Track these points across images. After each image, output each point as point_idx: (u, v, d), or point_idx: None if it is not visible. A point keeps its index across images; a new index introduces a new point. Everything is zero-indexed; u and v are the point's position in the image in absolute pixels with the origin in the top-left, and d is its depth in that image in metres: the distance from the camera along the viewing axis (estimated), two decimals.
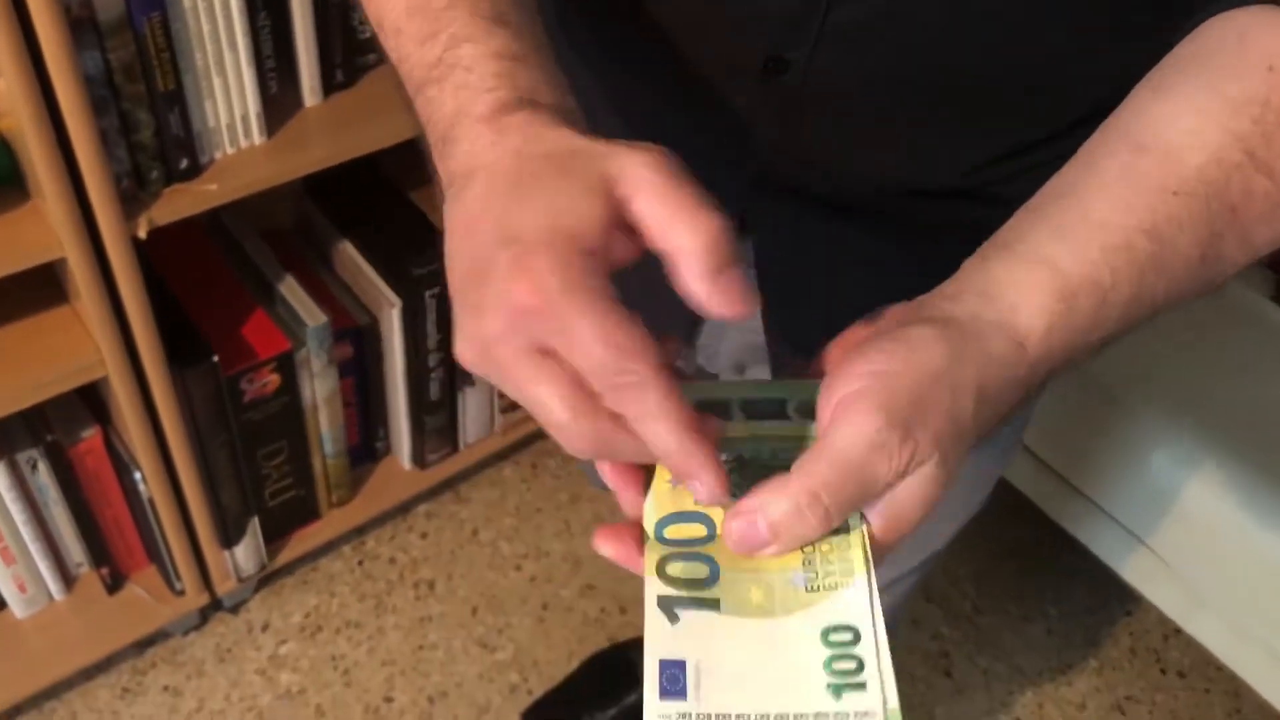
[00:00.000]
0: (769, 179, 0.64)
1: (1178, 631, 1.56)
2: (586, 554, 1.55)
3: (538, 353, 0.36)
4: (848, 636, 0.36)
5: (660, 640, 0.36)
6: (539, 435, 1.65)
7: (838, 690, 0.35)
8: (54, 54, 0.84)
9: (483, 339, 0.37)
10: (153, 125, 0.96)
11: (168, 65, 0.94)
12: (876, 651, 0.35)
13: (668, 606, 0.37)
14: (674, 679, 0.35)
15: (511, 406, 1.55)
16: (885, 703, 0.34)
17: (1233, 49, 0.42)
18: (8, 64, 0.83)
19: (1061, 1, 0.49)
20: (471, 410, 1.49)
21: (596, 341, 0.35)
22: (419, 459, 1.50)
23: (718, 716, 0.34)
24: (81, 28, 0.87)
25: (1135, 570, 1.29)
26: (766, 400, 0.42)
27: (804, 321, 0.65)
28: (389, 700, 1.38)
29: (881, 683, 0.35)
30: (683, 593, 0.37)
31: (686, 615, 0.37)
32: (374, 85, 1.15)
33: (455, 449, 1.53)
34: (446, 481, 1.57)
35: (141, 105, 0.95)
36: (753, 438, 0.41)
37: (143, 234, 0.98)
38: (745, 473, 0.39)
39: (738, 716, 0.34)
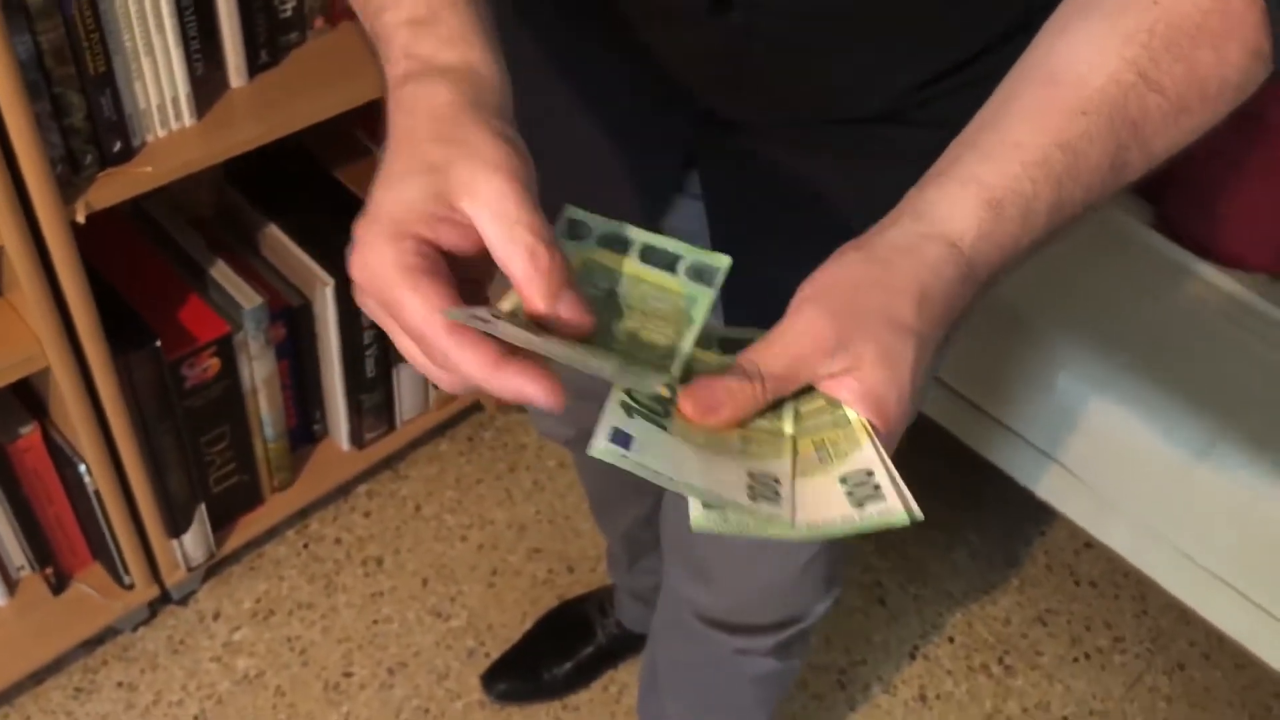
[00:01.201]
0: (714, 115, 0.69)
1: (1087, 545, 1.68)
2: (530, 520, 1.59)
3: (381, 312, 0.43)
4: (862, 475, 0.41)
5: (617, 420, 0.40)
6: (474, 408, 1.68)
7: (860, 502, 0.40)
8: None
9: (354, 284, 0.44)
10: (84, 108, 0.96)
11: (98, 47, 0.94)
12: (889, 476, 0.41)
13: (628, 408, 0.41)
14: (623, 440, 0.39)
15: None
16: (906, 504, 0.39)
17: None
18: None
19: None
20: (406, 386, 1.51)
21: (413, 315, 0.41)
22: (357, 439, 1.51)
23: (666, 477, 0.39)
24: (11, 10, 0.86)
25: (1048, 486, 1.39)
26: (664, 252, 0.47)
27: (751, 250, 0.71)
28: (348, 675, 1.39)
29: (899, 491, 0.40)
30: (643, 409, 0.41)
31: (642, 425, 0.41)
32: (298, 64, 1.16)
33: (392, 427, 1.55)
34: (385, 460, 1.58)
35: (73, 88, 0.95)
36: (634, 278, 0.46)
37: (81, 219, 0.98)
38: (606, 303, 0.45)
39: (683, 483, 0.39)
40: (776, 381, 0.44)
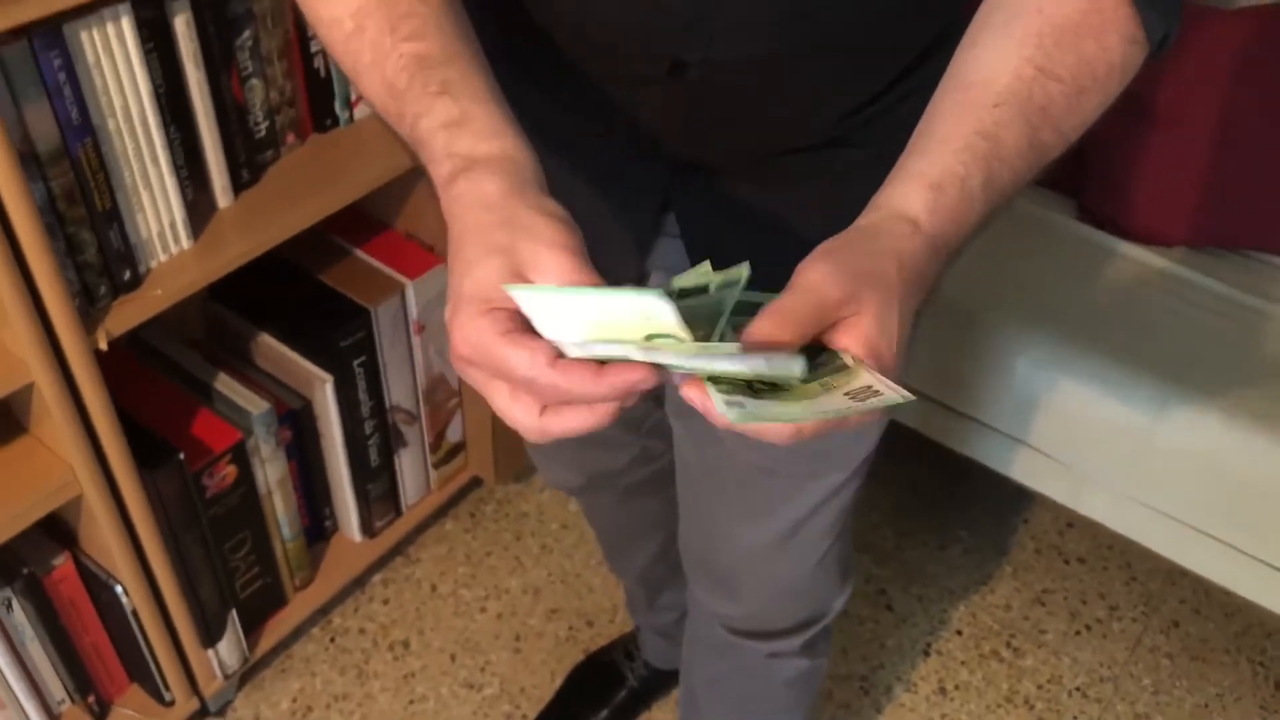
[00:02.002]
0: (682, 161, 0.78)
1: (1070, 525, 1.77)
2: (543, 582, 1.64)
3: (485, 376, 0.49)
4: (863, 389, 0.49)
5: (725, 397, 0.48)
6: (473, 485, 1.74)
7: (861, 400, 0.48)
8: (10, 190, 0.91)
9: (458, 360, 0.50)
10: (96, 243, 1.03)
11: (103, 185, 1.02)
12: (886, 383, 0.48)
13: (722, 389, 0.48)
14: (739, 404, 0.47)
15: (444, 460, 1.64)
16: (900, 392, 0.47)
17: (1021, 4, 0.58)
18: None
19: None
20: (408, 469, 1.57)
21: (520, 364, 0.47)
22: (367, 528, 1.56)
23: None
24: (25, 161, 0.94)
25: (1022, 469, 1.48)
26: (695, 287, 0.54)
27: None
28: None
29: (894, 387, 0.48)
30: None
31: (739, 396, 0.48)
32: (276, 179, 1.24)
33: (399, 512, 1.60)
34: (395, 547, 1.63)
35: (84, 226, 1.02)
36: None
37: (104, 345, 1.05)
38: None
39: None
40: (801, 318, 0.50)
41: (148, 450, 1.17)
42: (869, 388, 0.49)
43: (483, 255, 0.50)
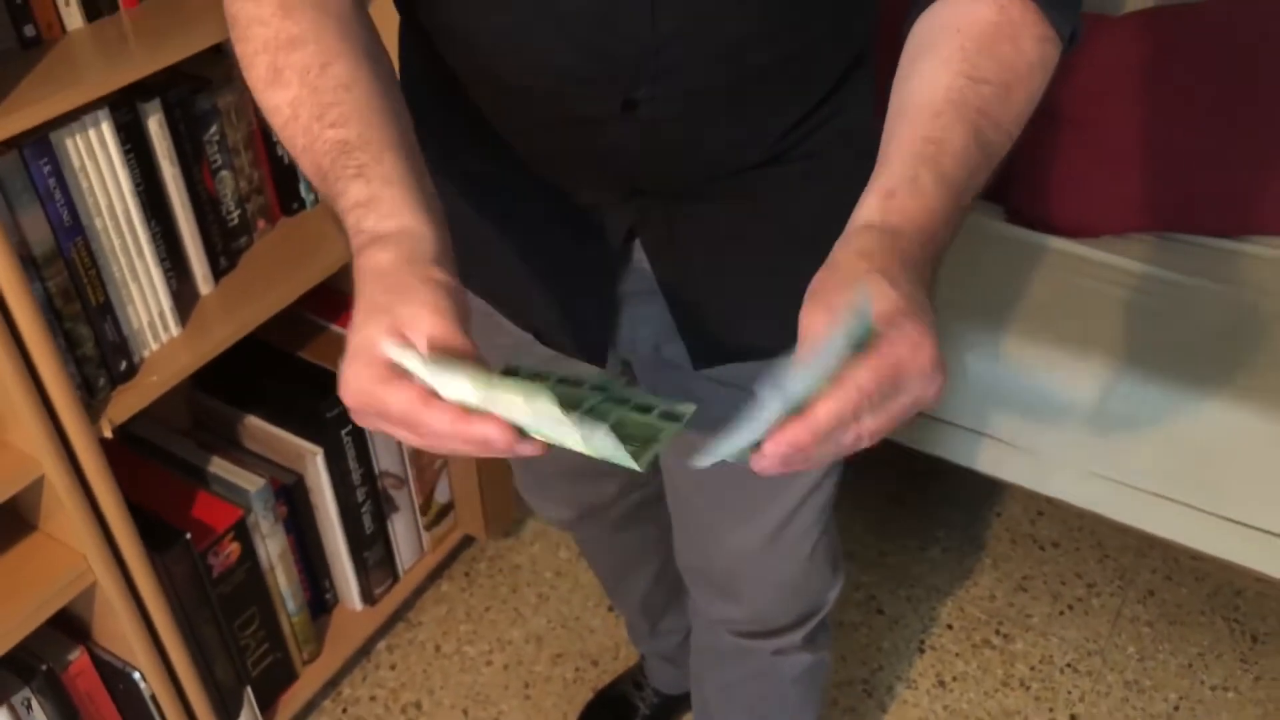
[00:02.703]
0: (640, 190, 0.85)
1: (1040, 513, 1.85)
2: (544, 630, 1.68)
3: (375, 420, 0.56)
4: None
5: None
6: (466, 543, 1.78)
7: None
8: (13, 292, 0.96)
9: (351, 410, 0.57)
10: (92, 337, 1.08)
11: (95, 281, 1.07)
12: None
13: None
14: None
15: (434, 521, 1.68)
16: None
17: (929, 33, 0.67)
18: None
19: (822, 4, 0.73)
20: (401, 534, 1.61)
21: (397, 404, 0.54)
22: (367, 596, 1.60)
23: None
24: (23, 264, 0.99)
25: (988, 461, 1.55)
26: (643, 402, 0.61)
27: (696, 290, 0.86)
28: None
29: None
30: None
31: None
32: (252, 263, 1.30)
33: (396, 577, 1.64)
34: (396, 613, 1.67)
35: (80, 321, 1.07)
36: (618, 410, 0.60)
37: (108, 433, 1.09)
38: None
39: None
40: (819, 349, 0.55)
41: (154, 534, 1.21)
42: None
43: (369, 316, 0.56)
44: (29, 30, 1.02)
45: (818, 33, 0.75)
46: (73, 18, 1.06)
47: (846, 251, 0.58)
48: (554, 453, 0.55)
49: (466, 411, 0.53)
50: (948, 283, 1.55)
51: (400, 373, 0.54)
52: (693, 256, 0.88)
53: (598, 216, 0.87)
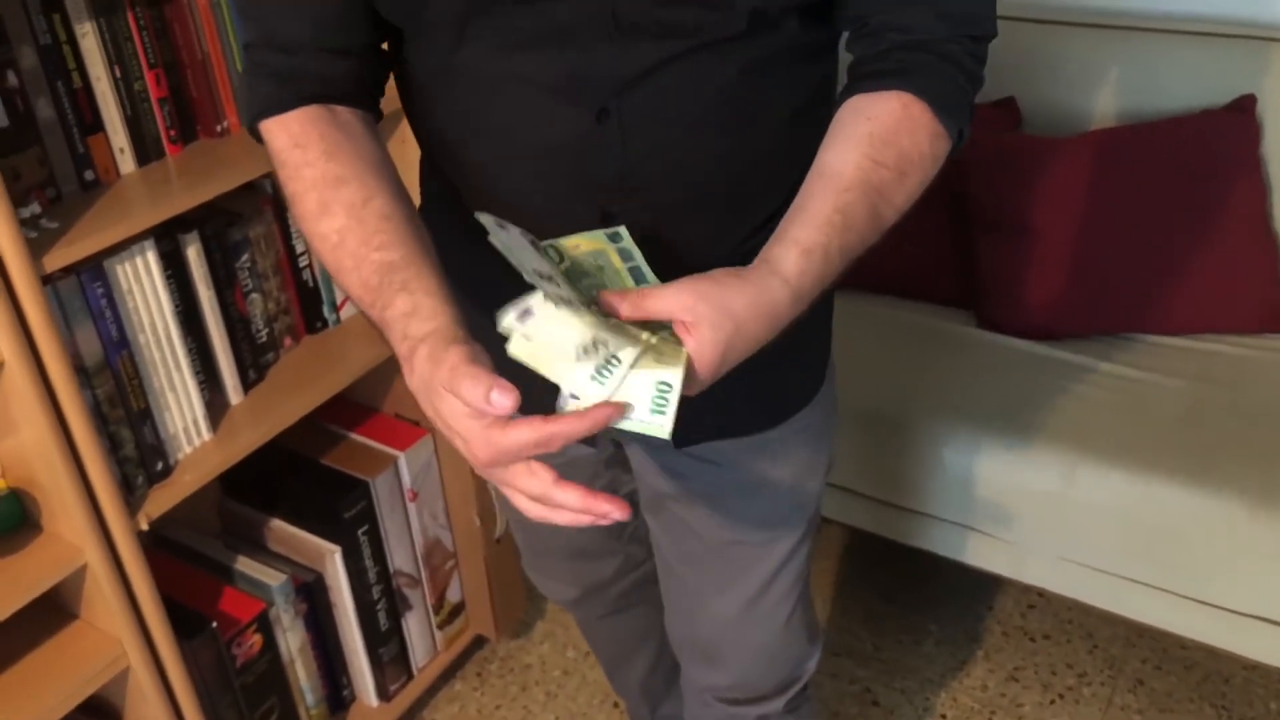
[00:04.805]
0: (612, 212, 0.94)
1: (1030, 606, 1.91)
2: None
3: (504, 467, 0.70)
4: (666, 385, 0.67)
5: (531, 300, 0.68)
6: (477, 644, 1.87)
7: (658, 409, 0.66)
8: (67, 399, 1.10)
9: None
10: (133, 439, 1.22)
11: (138, 390, 1.21)
12: (677, 401, 0.66)
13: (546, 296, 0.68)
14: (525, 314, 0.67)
15: (447, 620, 1.77)
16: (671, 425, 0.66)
17: (850, 115, 0.80)
18: (36, 417, 1.08)
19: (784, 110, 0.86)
20: (415, 632, 1.70)
21: (471, 454, 0.69)
22: (382, 693, 1.68)
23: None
24: (76, 373, 1.13)
25: (971, 552, 1.63)
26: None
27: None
28: None
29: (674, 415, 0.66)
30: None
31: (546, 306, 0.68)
32: (278, 376, 1.44)
33: (410, 675, 1.72)
34: (410, 710, 1.74)
35: (123, 424, 1.20)
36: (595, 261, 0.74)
37: (145, 526, 1.21)
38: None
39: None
40: (653, 312, 0.70)
41: (183, 623, 1.32)
42: (669, 387, 0.67)
43: (433, 393, 0.71)
44: (89, 174, 1.19)
45: (774, 151, 0.87)
46: (126, 163, 1.23)
47: (746, 288, 0.72)
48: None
49: (591, 492, 0.67)
50: (921, 385, 1.66)
51: (504, 419, 0.67)
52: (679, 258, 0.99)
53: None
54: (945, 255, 1.83)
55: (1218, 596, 1.48)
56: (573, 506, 0.67)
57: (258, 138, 0.86)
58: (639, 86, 0.78)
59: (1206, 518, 1.44)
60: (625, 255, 0.73)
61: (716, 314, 0.70)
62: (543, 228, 0.91)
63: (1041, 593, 1.66)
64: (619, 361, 0.67)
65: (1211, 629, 1.51)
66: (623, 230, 0.72)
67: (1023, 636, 1.85)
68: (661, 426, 0.66)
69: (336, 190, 0.80)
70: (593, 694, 1.79)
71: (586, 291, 0.73)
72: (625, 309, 0.70)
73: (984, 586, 1.94)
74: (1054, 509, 1.53)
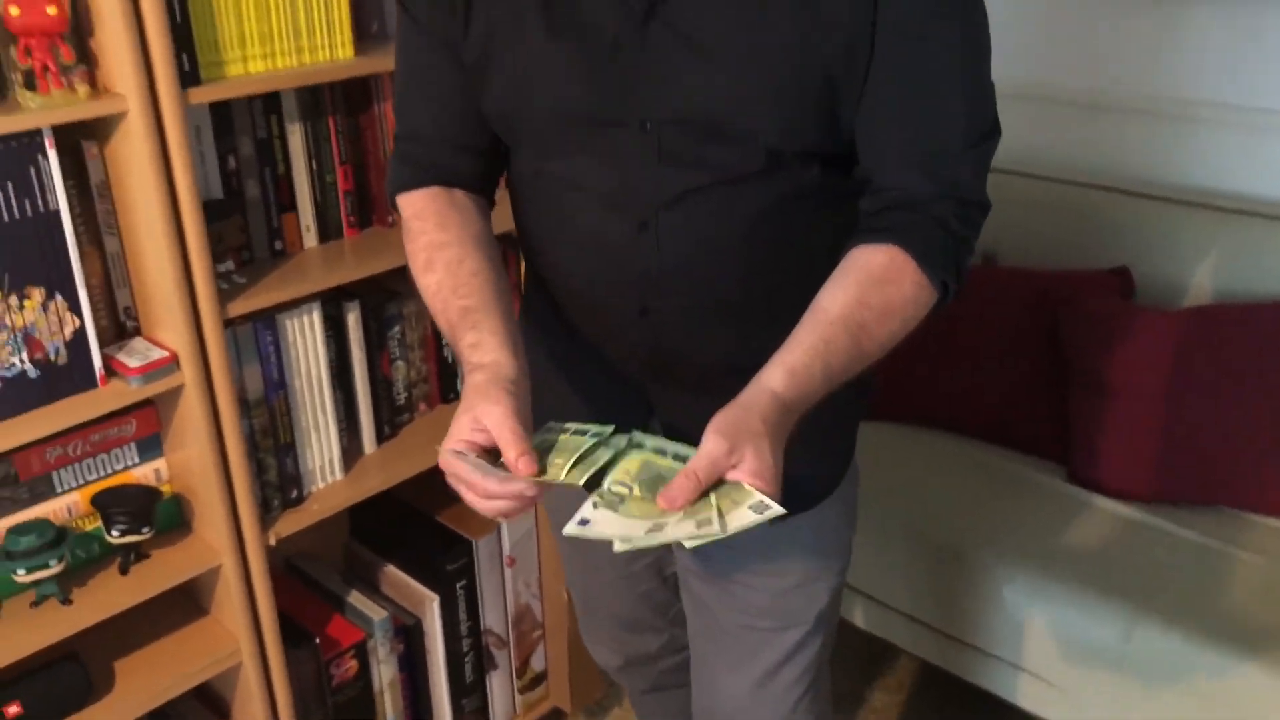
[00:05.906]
0: (655, 377, 1.09)
1: None
2: None
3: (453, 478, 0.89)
4: (759, 502, 0.81)
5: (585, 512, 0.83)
6: (553, 716, 1.99)
7: (759, 511, 0.80)
8: (229, 425, 1.33)
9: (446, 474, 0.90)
10: (276, 467, 1.44)
11: (287, 426, 1.44)
12: (772, 501, 0.81)
13: (595, 504, 0.84)
14: (585, 521, 0.81)
15: (528, 687, 1.91)
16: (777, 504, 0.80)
17: (848, 262, 0.94)
18: (202, 437, 1.31)
19: (807, 233, 1.01)
20: (498, 691, 1.85)
21: (472, 490, 0.86)
22: None
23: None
24: (238, 405, 1.36)
25: (1025, 695, 1.66)
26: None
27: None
28: None
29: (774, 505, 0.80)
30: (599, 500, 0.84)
31: (602, 513, 0.83)
32: (410, 435, 1.65)
33: None
34: None
35: (270, 454, 1.43)
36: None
37: (273, 542, 1.42)
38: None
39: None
40: (704, 475, 0.84)
41: (292, 634, 1.51)
42: (763, 502, 0.81)
43: (463, 411, 0.90)
44: (278, 244, 1.45)
45: (790, 281, 1.02)
46: (310, 239, 1.49)
47: (752, 409, 0.86)
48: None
49: (503, 480, 0.86)
50: (987, 522, 1.73)
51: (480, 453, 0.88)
52: (697, 425, 1.13)
53: (625, 393, 1.13)
54: (1040, 407, 1.91)
55: None
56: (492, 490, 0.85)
57: (395, 208, 1.09)
58: (673, 208, 0.96)
59: (1268, 697, 1.44)
60: (659, 451, 0.90)
61: (742, 433, 0.83)
62: (595, 314, 1.08)
63: None
64: (709, 522, 0.81)
65: None
66: (635, 434, 0.91)
67: None
68: (773, 512, 0.80)
69: (440, 251, 1.02)
70: None
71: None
72: (682, 499, 0.83)
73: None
74: (1111, 663, 1.55)
